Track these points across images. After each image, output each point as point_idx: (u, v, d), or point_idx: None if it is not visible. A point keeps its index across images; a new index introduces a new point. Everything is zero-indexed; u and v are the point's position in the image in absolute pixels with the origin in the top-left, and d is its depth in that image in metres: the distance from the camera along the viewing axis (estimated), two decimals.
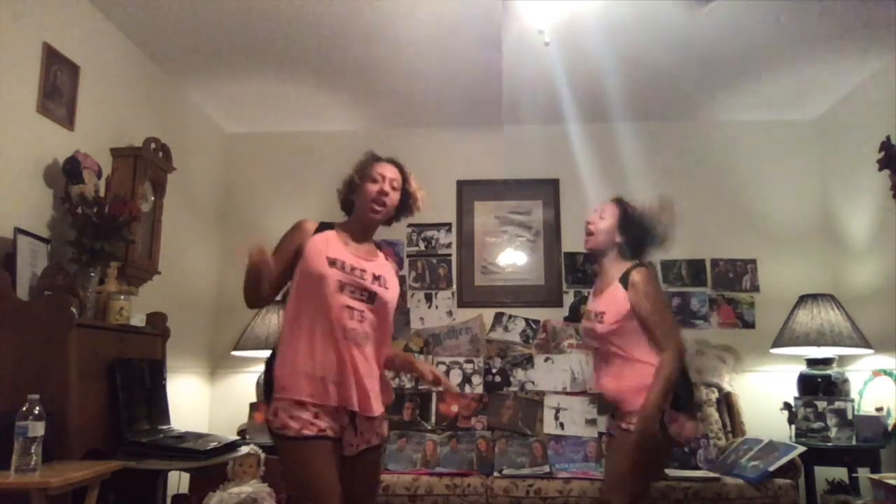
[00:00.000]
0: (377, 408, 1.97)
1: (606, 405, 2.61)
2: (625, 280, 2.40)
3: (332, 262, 1.96)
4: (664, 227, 2.54)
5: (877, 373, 3.49)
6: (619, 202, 2.57)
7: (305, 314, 1.94)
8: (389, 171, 2.13)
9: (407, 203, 2.20)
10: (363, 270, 2.01)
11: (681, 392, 2.34)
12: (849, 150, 3.88)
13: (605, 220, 2.53)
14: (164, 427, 2.73)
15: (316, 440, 1.86)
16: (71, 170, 2.61)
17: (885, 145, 3.24)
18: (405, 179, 2.19)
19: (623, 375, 2.39)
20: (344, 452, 1.93)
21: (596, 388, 2.65)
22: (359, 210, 2.12)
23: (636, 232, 2.50)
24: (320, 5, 2.98)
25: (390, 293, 2.06)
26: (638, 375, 2.35)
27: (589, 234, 2.55)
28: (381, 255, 2.17)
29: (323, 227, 2.09)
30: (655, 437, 2.23)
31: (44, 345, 2.21)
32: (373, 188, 2.08)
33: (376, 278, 2.03)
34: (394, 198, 2.12)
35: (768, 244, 4.13)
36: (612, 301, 2.42)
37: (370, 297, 1.99)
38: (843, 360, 3.67)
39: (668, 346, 2.30)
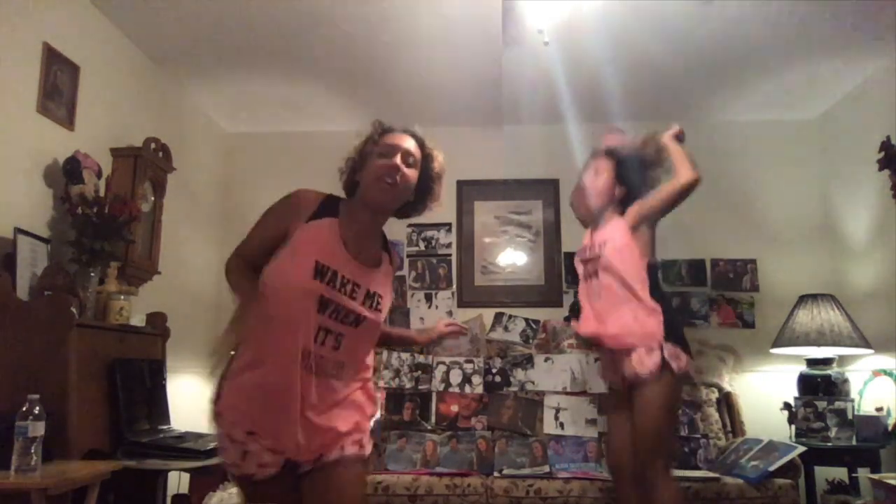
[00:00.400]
0: (330, 446, 1.59)
1: (600, 349, 2.67)
2: (622, 214, 2.51)
3: (321, 272, 1.54)
4: (656, 154, 2.59)
5: (877, 373, 3.49)
6: (610, 153, 2.59)
7: (271, 320, 1.53)
8: (405, 142, 1.67)
9: (429, 188, 1.73)
10: (357, 285, 1.59)
11: (677, 328, 2.48)
12: (849, 150, 3.88)
13: (602, 176, 2.54)
14: (164, 427, 2.73)
15: (241, 479, 1.57)
16: (71, 170, 2.61)
17: (885, 145, 3.24)
18: (427, 156, 1.71)
19: (623, 314, 2.43)
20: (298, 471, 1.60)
21: (586, 329, 2.61)
22: (364, 192, 1.67)
23: (636, 172, 2.54)
24: (320, 5, 2.98)
25: (382, 314, 1.67)
26: (639, 316, 2.41)
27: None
28: (385, 260, 1.73)
29: (327, 205, 1.67)
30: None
31: (44, 345, 2.21)
32: (381, 162, 1.64)
33: (369, 297, 1.62)
34: (409, 175, 1.65)
35: (768, 244, 4.13)
36: (613, 230, 2.47)
37: (356, 321, 1.59)
38: (843, 360, 3.67)
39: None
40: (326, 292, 1.54)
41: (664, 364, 2.37)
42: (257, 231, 1.71)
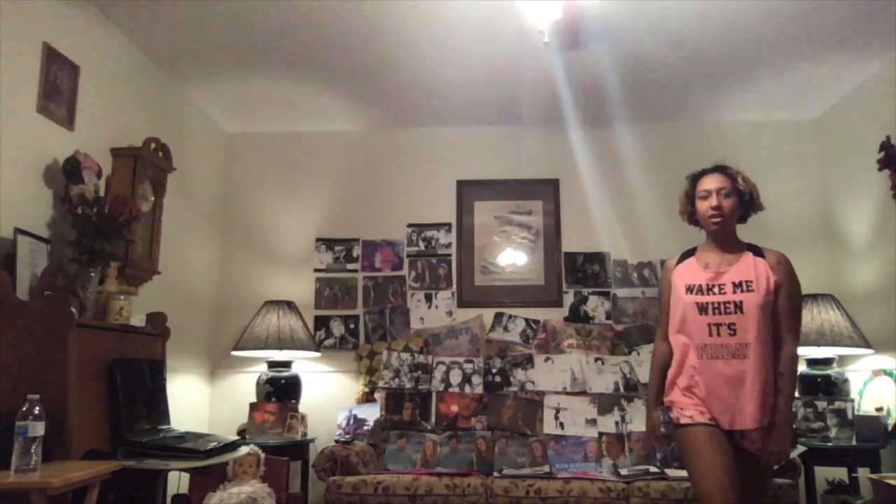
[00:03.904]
0: (748, 421, 2.10)
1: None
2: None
3: (689, 288, 2.24)
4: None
5: (877, 373, 3.49)
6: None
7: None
8: (714, 183, 2.29)
9: (750, 196, 2.31)
10: (721, 284, 2.20)
11: None
12: (849, 150, 3.88)
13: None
14: (164, 427, 2.73)
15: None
16: (71, 170, 2.61)
17: (885, 145, 3.24)
18: (734, 179, 2.29)
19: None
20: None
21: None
22: (705, 228, 2.33)
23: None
24: (320, 5, 2.98)
25: (756, 296, 2.15)
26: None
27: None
28: (746, 256, 2.26)
29: (685, 254, 2.36)
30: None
31: (44, 345, 2.21)
32: (705, 205, 2.28)
33: (737, 286, 2.18)
34: (728, 205, 2.27)
35: (768, 244, 4.10)
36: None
37: (736, 308, 2.15)
38: (843, 360, 3.67)
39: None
40: (700, 299, 2.21)
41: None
42: (663, 305, 2.38)
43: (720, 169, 2.33)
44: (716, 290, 2.21)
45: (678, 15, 3.04)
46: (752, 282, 2.18)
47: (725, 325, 2.17)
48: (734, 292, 2.18)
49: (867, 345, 3.41)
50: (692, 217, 2.39)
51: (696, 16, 3.05)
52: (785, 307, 2.19)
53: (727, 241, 2.31)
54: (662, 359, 2.35)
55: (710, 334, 2.18)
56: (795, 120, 4.24)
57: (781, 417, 2.12)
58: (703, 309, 2.20)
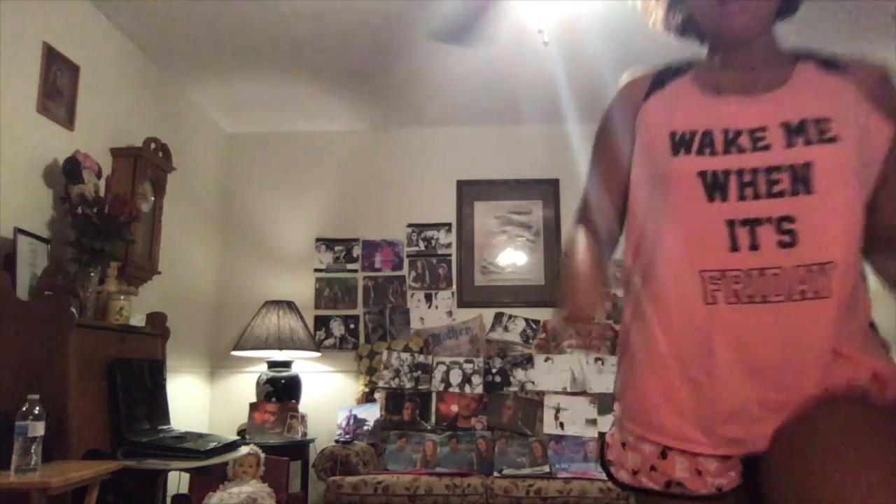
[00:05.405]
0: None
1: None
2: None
3: (682, 141, 0.99)
4: None
5: None
6: None
7: (647, 264, 1.05)
8: None
9: None
10: (757, 129, 0.96)
11: None
12: None
13: None
14: (164, 427, 2.73)
15: None
16: (71, 170, 2.61)
17: None
18: None
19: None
20: None
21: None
22: (708, 28, 1.11)
23: None
24: (321, 5, 2.98)
25: (843, 152, 0.93)
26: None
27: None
28: (804, 69, 1.05)
29: (665, 72, 1.18)
30: None
31: (44, 345, 2.21)
32: None
33: (795, 131, 0.94)
34: None
35: None
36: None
37: (795, 180, 0.92)
38: None
39: None
40: (707, 164, 0.96)
41: None
42: (600, 155, 1.20)
43: None
44: (745, 140, 0.96)
45: None
46: (829, 120, 0.94)
47: (772, 224, 0.93)
48: (790, 144, 0.94)
49: None
50: (683, 24, 1.19)
51: None
52: None
53: (759, 51, 1.09)
54: (602, 223, 1.21)
55: (736, 247, 0.94)
56: None
57: None
58: (715, 186, 0.96)
